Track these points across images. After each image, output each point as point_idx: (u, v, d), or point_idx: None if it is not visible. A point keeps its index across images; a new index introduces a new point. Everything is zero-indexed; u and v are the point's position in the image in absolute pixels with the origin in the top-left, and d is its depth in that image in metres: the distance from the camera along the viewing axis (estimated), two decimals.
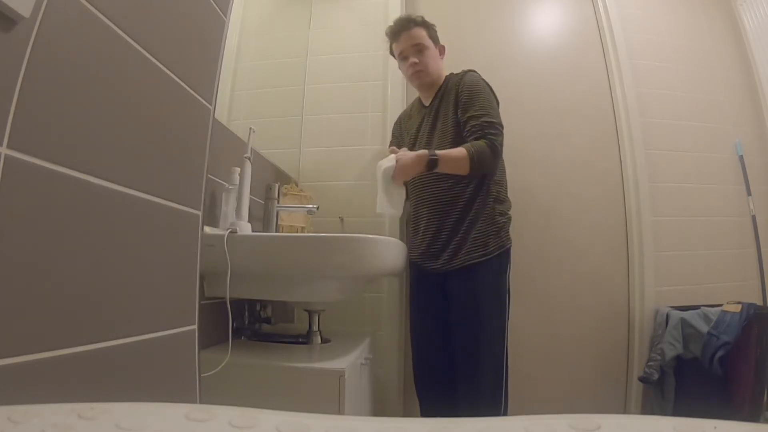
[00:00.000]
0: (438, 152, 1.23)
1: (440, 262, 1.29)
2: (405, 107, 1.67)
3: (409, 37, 1.38)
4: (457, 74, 1.41)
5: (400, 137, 1.55)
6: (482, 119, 1.26)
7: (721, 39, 1.92)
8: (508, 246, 1.31)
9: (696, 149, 1.78)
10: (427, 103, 1.45)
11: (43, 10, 0.37)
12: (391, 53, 1.48)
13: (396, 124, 1.61)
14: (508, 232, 1.32)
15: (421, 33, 1.39)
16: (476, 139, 1.24)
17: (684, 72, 1.85)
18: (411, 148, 1.37)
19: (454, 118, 1.33)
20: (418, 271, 1.41)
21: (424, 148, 1.31)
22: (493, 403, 1.20)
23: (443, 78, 1.43)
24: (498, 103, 1.36)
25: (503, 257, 1.29)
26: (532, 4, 1.95)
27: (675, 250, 1.69)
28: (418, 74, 1.40)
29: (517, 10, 1.93)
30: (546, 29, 1.92)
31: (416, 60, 1.38)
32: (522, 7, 1.94)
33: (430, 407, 1.33)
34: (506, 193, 1.37)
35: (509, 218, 1.34)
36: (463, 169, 1.23)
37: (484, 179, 1.29)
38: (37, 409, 0.28)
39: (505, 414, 1.22)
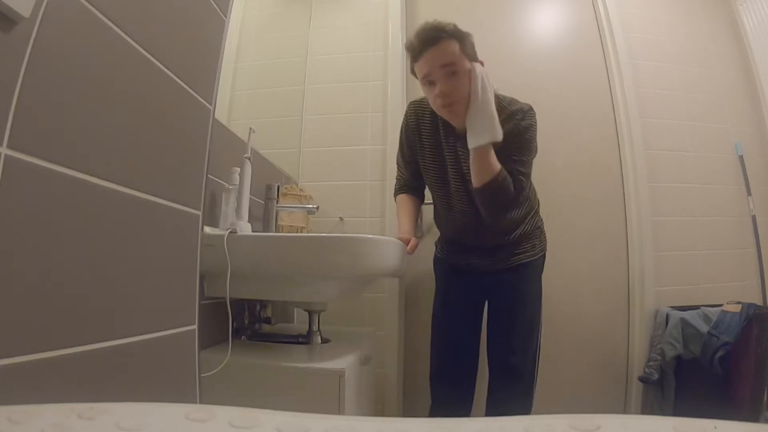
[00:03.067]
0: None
1: (491, 262, 1.28)
2: (404, 107, 1.39)
3: (436, 55, 1.03)
4: (512, 106, 1.16)
5: (418, 148, 1.27)
6: (523, 169, 1.14)
7: (721, 39, 1.92)
8: (546, 249, 1.35)
9: (696, 149, 1.79)
10: (461, 130, 1.12)
11: (43, 10, 0.37)
12: (413, 72, 1.12)
13: (409, 131, 1.27)
14: (545, 235, 1.36)
15: (453, 48, 1.04)
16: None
17: (684, 72, 1.85)
18: (443, 172, 1.24)
19: (498, 151, 1.10)
20: (451, 268, 1.37)
21: (462, 179, 1.20)
22: (530, 395, 1.25)
23: None
24: None
25: (542, 260, 1.34)
26: (532, 4, 1.95)
27: (675, 250, 1.69)
28: (450, 108, 1.08)
29: (517, 10, 1.93)
30: (546, 29, 1.92)
31: (446, 90, 1.05)
32: (522, 7, 1.94)
33: (444, 405, 1.32)
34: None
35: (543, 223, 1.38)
36: (485, 176, 1.08)
37: (529, 191, 1.28)
38: (37, 409, 0.28)
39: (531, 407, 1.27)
